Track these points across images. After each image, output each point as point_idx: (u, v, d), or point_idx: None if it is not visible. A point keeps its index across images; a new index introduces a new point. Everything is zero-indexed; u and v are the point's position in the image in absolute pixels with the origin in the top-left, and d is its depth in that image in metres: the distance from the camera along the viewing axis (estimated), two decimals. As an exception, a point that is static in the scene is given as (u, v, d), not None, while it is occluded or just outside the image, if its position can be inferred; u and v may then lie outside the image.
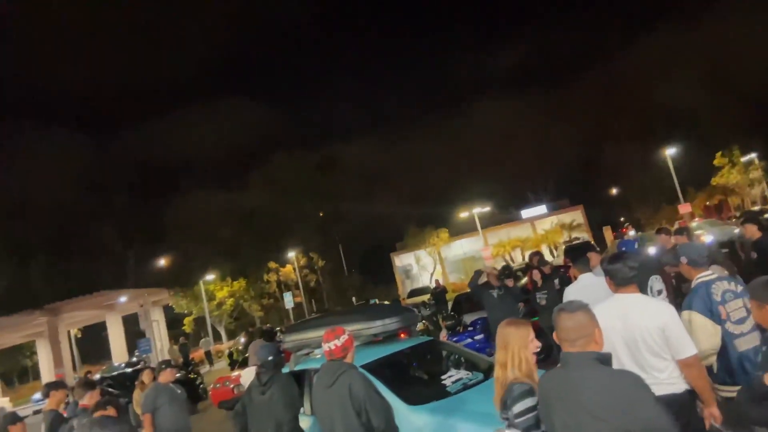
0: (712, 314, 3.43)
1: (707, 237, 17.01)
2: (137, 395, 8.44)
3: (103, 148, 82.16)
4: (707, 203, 46.34)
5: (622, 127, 54.48)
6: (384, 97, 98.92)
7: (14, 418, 5.27)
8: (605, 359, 2.39)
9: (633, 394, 2.24)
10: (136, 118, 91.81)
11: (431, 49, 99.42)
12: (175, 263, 39.99)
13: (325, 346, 3.80)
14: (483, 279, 8.76)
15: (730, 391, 3.32)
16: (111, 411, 4.66)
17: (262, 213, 49.62)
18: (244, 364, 13.34)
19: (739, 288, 3.56)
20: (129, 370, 19.41)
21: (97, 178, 61.21)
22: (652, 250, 9.24)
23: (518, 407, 2.79)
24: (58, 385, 5.96)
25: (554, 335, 2.54)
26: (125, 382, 14.22)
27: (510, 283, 8.57)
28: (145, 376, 8.24)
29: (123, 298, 31.44)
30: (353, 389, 3.57)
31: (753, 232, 6.27)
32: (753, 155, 40.73)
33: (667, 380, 3.15)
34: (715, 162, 42.01)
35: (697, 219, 32.21)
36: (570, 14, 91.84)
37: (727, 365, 3.42)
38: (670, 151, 32.50)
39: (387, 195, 55.22)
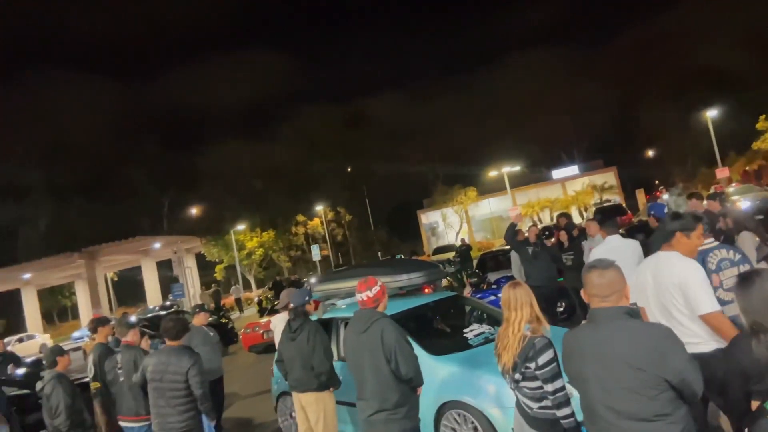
0: None
1: (743, 203, 16.61)
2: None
3: (138, 97, 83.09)
4: (746, 168, 44.82)
5: (661, 86, 52.47)
6: (415, 52, 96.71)
7: (61, 351, 5.63)
8: (635, 313, 2.49)
9: (665, 345, 2.34)
10: (168, 67, 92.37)
11: (465, 1, 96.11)
12: (206, 212, 40.97)
13: (358, 296, 3.91)
14: (517, 234, 8.80)
15: None
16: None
17: (292, 166, 50.09)
18: (273, 311, 13.80)
19: (737, 257, 3.67)
20: (163, 312, 20.23)
21: (131, 125, 62.34)
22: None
23: (543, 359, 2.93)
24: (104, 321, 6.33)
25: (582, 293, 2.61)
26: (159, 325, 14.89)
27: (549, 243, 8.65)
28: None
29: (157, 244, 32.47)
30: (385, 337, 3.70)
31: (789, 199, 6.13)
32: (800, 119, 38.97)
33: (693, 339, 3.18)
34: (758, 126, 40.29)
35: (734, 184, 31.30)
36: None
37: None
38: (711, 113, 31.38)
39: (416, 152, 54.81)
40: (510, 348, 3.05)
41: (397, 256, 27.10)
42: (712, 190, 21.12)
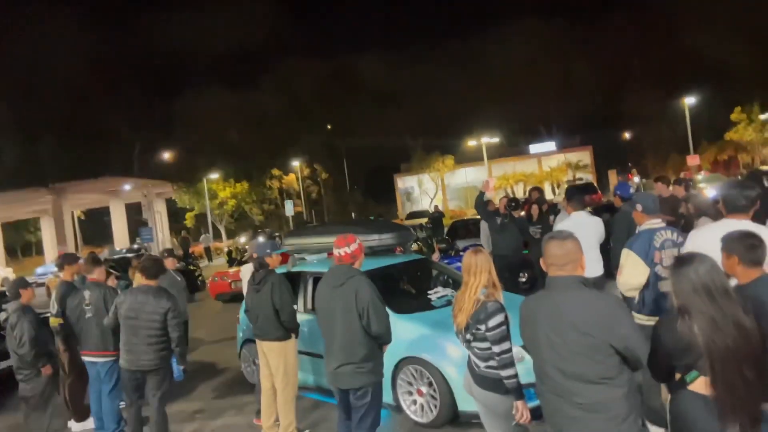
0: (647, 257, 3.86)
1: (710, 191, 17.09)
2: (138, 278, 8.86)
3: (117, 37, 79.41)
4: (717, 157, 45.84)
5: (645, 70, 52.84)
6: (407, 13, 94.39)
7: (25, 283, 5.62)
8: (587, 282, 2.65)
9: (613, 313, 2.50)
10: (150, 7, 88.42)
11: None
12: (180, 158, 40.15)
13: (336, 251, 3.96)
14: (488, 204, 8.95)
15: (641, 319, 3.80)
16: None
17: (271, 118, 49.23)
18: (243, 262, 13.86)
19: (680, 239, 3.97)
20: (130, 255, 20.08)
21: (109, 65, 59.97)
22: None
23: (492, 321, 3.11)
24: (73, 258, 6.30)
25: (542, 261, 2.73)
26: (126, 266, 14.81)
27: (517, 214, 8.83)
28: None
29: (127, 186, 31.94)
30: (360, 293, 3.78)
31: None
32: (773, 114, 39.86)
33: None
34: (733, 117, 41.07)
35: (703, 172, 32.06)
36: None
37: (646, 299, 3.91)
38: (689, 100, 31.87)
39: (398, 115, 54.35)
40: (465, 310, 3.22)
41: (371, 218, 27.26)
42: (681, 176, 21.64)
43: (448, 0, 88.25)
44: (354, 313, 3.78)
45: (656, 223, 4.07)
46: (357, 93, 54.54)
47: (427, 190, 47.39)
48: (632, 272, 3.87)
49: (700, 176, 26.91)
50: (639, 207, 4.18)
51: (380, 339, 3.89)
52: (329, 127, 53.94)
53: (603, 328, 2.45)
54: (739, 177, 26.62)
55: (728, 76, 45.37)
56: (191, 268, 17.41)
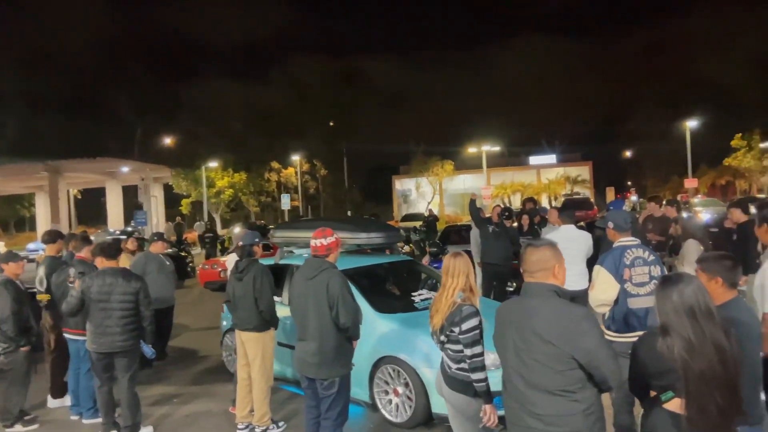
0: (617, 273, 3.93)
1: (705, 215, 17.19)
2: (124, 259, 8.83)
3: (128, 19, 79.49)
4: (715, 182, 46.06)
5: (650, 92, 53.16)
6: (420, 19, 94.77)
7: (11, 257, 5.57)
8: (562, 292, 2.61)
9: (580, 325, 2.44)
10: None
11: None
12: (181, 144, 40.04)
13: (313, 242, 4.07)
14: (481, 212, 9.03)
15: (610, 335, 3.92)
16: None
17: (274, 111, 49.17)
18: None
19: (651, 257, 4.05)
20: (124, 237, 20.03)
21: (118, 46, 60.00)
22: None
23: (466, 325, 3.14)
24: (59, 235, 6.30)
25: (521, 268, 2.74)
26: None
27: (509, 223, 8.88)
28: (130, 243, 8.44)
29: (125, 168, 31.85)
30: (330, 285, 3.87)
31: (738, 216, 6.46)
32: (772, 142, 40.04)
33: None
34: (733, 143, 41.30)
35: (700, 195, 32.16)
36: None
37: (615, 315, 3.98)
38: (691, 123, 32.00)
39: (401, 118, 54.72)
40: (441, 311, 3.25)
41: (365, 216, 27.20)
42: (678, 198, 21.74)
43: (463, 10, 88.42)
44: (325, 305, 3.86)
45: (628, 240, 4.14)
46: (362, 93, 54.72)
47: (425, 193, 47.40)
48: (603, 288, 3.95)
49: (696, 199, 27.04)
50: (611, 225, 4.25)
51: (348, 332, 3.95)
52: (332, 124, 53.91)
53: (567, 340, 2.41)
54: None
55: (731, 103, 45.78)
56: (183, 254, 17.38)
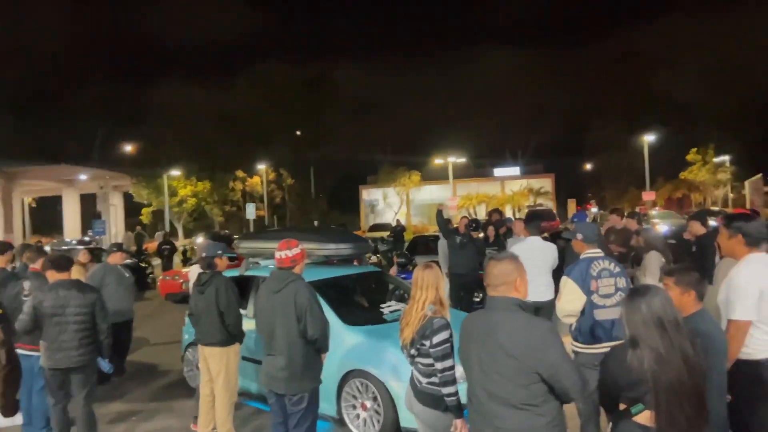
0: (584, 285, 3.95)
1: (662, 227, 17.70)
2: (76, 272, 8.47)
3: (89, 19, 77.48)
4: (671, 195, 47.61)
5: (611, 105, 54.60)
6: (387, 26, 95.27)
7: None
8: (525, 306, 2.62)
9: (543, 339, 2.45)
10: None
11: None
12: (142, 151, 39.05)
13: (278, 254, 3.99)
14: (449, 223, 9.10)
15: (577, 347, 3.99)
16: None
17: (239, 119, 48.52)
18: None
19: (617, 269, 4.09)
20: (80, 247, 19.39)
21: (78, 47, 58.32)
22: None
23: (437, 338, 3.09)
24: (7, 246, 6.03)
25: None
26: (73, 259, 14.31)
27: (475, 235, 8.97)
28: (82, 256, 8.11)
29: (83, 176, 30.93)
30: (298, 298, 3.80)
31: (697, 228, 6.65)
32: (726, 157, 41.69)
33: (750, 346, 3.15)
34: (688, 157, 42.84)
35: (657, 208, 33.15)
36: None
37: (582, 327, 3.99)
38: (649, 137, 33.02)
39: (368, 127, 54.58)
40: (411, 324, 3.20)
41: (333, 227, 27.07)
42: (637, 210, 22.33)
43: (430, 19, 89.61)
44: (293, 318, 3.78)
45: (594, 252, 4.17)
46: (330, 102, 54.38)
47: (392, 203, 47.53)
48: (570, 299, 3.97)
49: (654, 212, 27.86)
50: (579, 236, 4.28)
51: (316, 344, 3.88)
52: (298, 133, 53.57)
53: (530, 354, 2.42)
54: (685, 216, 27.70)
55: (688, 118, 47.33)
56: (143, 265, 16.91)
